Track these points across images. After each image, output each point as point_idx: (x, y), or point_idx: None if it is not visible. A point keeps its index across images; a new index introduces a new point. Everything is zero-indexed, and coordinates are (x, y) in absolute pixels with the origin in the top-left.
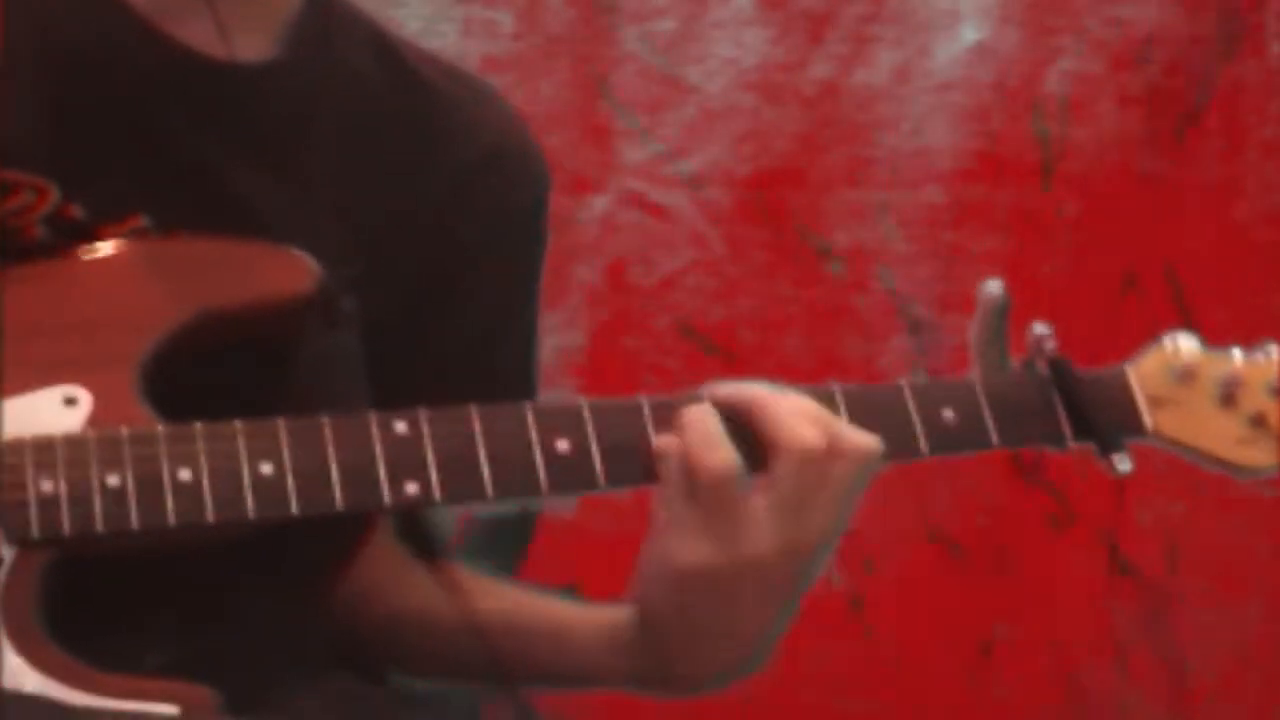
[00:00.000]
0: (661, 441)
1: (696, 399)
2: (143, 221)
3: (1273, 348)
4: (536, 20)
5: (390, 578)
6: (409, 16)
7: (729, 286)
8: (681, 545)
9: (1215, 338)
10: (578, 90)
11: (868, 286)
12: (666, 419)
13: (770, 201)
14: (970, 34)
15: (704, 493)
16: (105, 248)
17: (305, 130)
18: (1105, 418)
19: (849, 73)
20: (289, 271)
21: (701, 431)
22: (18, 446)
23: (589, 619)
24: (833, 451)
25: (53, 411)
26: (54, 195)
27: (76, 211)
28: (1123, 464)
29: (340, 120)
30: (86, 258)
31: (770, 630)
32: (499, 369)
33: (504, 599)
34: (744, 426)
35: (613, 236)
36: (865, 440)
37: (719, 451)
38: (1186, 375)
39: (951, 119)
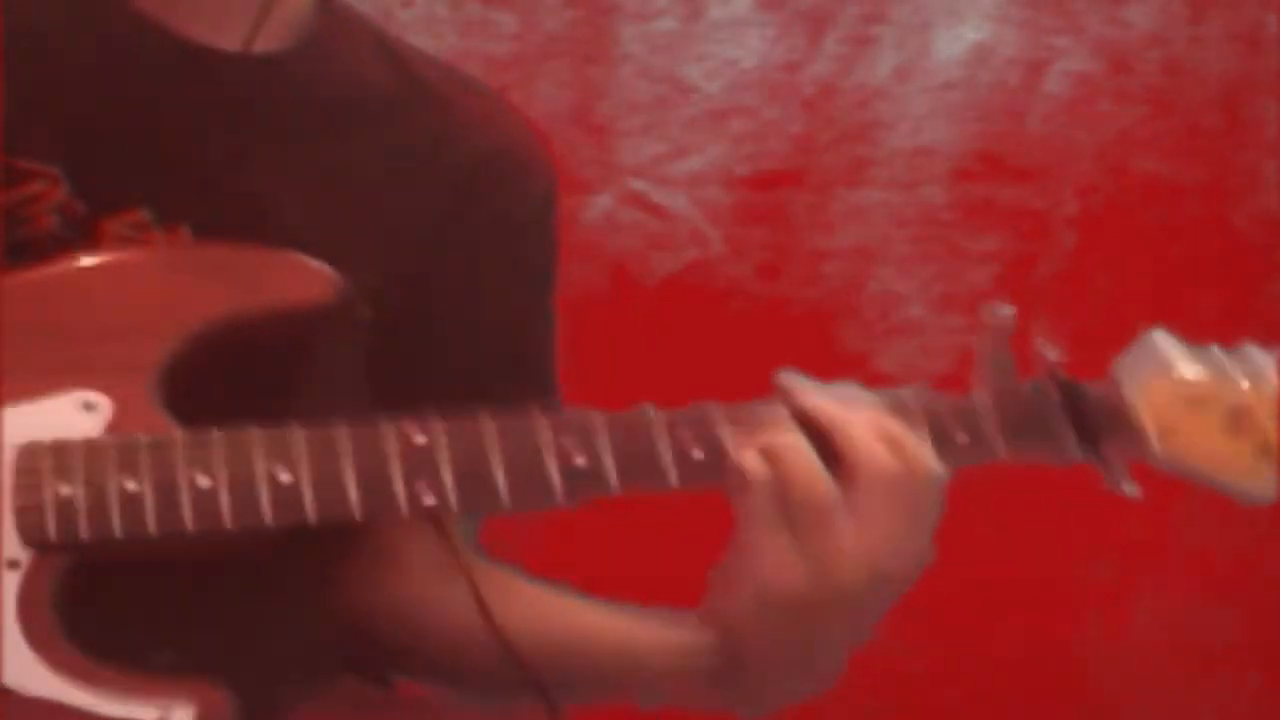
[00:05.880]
0: (748, 465)
1: (702, 409)
2: (144, 215)
3: (1273, 373)
4: (536, 20)
5: (427, 591)
6: (409, 17)
7: (729, 286)
8: (772, 572)
9: (1212, 338)
10: (578, 90)
11: (868, 287)
12: (680, 426)
13: (770, 201)
14: (970, 34)
15: (802, 524)
16: (124, 252)
17: (309, 124)
18: (1113, 441)
19: (849, 73)
20: (310, 281)
21: (799, 465)
22: (36, 450)
23: (662, 640)
24: (912, 473)
25: (71, 416)
26: (65, 185)
27: (79, 204)
28: (1129, 487)
29: (344, 118)
30: (105, 261)
31: (845, 654)
32: (517, 370)
33: (564, 613)
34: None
35: (613, 236)
36: (933, 461)
37: (821, 486)
38: (1195, 400)
39: (951, 119)
